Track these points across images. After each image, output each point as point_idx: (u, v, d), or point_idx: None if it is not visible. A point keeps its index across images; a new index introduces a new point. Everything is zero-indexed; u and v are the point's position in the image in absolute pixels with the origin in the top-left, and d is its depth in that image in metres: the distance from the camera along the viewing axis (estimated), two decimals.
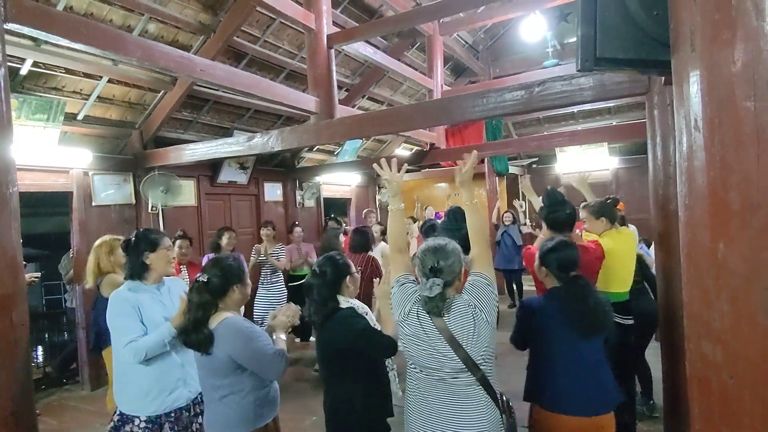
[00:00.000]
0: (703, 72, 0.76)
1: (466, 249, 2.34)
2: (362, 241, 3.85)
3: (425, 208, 8.00)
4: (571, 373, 2.05)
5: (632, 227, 5.18)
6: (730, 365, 0.74)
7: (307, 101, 4.23)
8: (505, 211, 7.69)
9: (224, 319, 1.91)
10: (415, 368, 1.88)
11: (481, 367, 1.76)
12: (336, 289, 2.10)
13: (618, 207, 5.97)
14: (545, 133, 10.00)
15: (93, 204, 5.04)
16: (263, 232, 5.67)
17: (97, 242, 3.21)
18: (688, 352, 0.83)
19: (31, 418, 2.12)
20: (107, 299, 2.74)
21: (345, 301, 2.12)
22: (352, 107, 7.17)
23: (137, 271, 2.21)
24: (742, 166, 0.71)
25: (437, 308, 1.76)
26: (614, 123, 8.39)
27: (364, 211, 7.75)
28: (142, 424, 2.10)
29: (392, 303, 1.94)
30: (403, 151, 9.61)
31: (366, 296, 3.66)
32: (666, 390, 2.76)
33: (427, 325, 1.79)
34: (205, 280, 1.91)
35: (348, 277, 2.15)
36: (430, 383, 1.82)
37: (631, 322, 3.15)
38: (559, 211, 2.87)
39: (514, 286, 7.57)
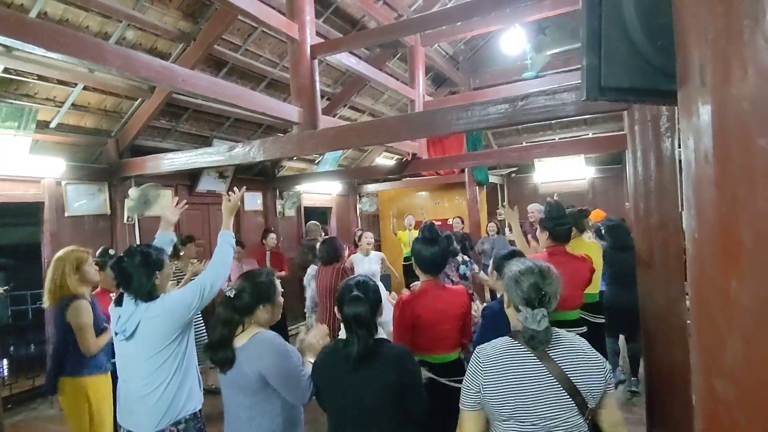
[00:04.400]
0: (714, 107, 0.76)
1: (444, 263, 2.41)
2: (330, 251, 3.77)
3: (404, 217, 7.98)
4: None
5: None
6: (743, 405, 0.73)
7: (290, 112, 4.18)
8: (489, 223, 7.72)
9: (256, 334, 1.80)
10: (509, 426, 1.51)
11: (588, 405, 1.49)
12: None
13: (592, 217, 6.10)
14: (524, 143, 10.15)
15: (66, 215, 4.87)
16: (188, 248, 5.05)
17: (60, 254, 2.76)
18: (698, 388, 0.82)
19: None
20: (69, 325, 2.61)
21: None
22: (334, 116, 7.14)
23: (150, 291, 2.04)
24: (755, 203, 0.70)
25: (544, 342, 1.48)
26: (590, 134, 8.57)
27: (356, 231, 7.44)
28: None
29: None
30: (384, 159, 9.62)
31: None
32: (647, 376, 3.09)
33: (531, 367, 1.49)
34: (233, 296, 1.81)
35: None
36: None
37: (601, 320, 3.58)
38: (563, 224, 3.04)
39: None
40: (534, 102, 3.45)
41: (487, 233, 7.46)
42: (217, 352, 1.78)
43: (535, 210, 7.39)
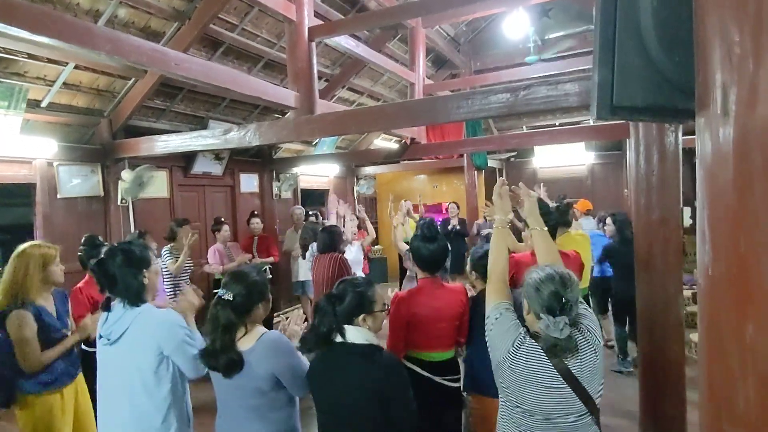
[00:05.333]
0: (737, 137, 0.70)
1: (442, 261, 2.37)
2: (329, 241, 3.73)
3: (402, 202, 7.88)
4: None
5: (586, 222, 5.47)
6: None
7: (287, 96, 4.08)
8: (486, 206, 7.68)
9: (263, 336, 1.78)
10: (517, 408, 1.59)
11: (597, 405, 1.55)
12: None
13: (578, 207, 6.08)
14: (524, 127, 10.04)
15: (58, 196, 4.79)
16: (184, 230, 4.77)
17: (24, 249, 2.42)
18: (706, 429, 0.79)
19: None
20: (8, 340, 2.28)
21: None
22: (331, 98, 7.02)
23: (136, 293, 1.90)
24: None
25: (567, 351, 1.49)
26: (592, 121, 8.45)
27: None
28: None
29: (492, 333, 1.65)
30: (383, 142, 9.50)
31: None
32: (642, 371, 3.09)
33: (542, 366, 1.51)
34: (231, 298, 1.76)
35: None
36: (542, 428, 1.55)
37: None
38: (546, 222, 3.00)
39: None
40: (536, 92, 3.37)
41: (485, 218, 7.44)
42: (220, 358, 1.72)
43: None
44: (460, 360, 2.49)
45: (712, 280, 0.75)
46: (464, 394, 2.42)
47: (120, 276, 1.89)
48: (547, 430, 1.54)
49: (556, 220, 3.16)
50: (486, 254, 2.27)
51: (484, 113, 3.66)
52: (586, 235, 4.28)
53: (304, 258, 4.95)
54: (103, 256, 1.96)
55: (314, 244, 4.25)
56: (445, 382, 2.26)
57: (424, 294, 2.34)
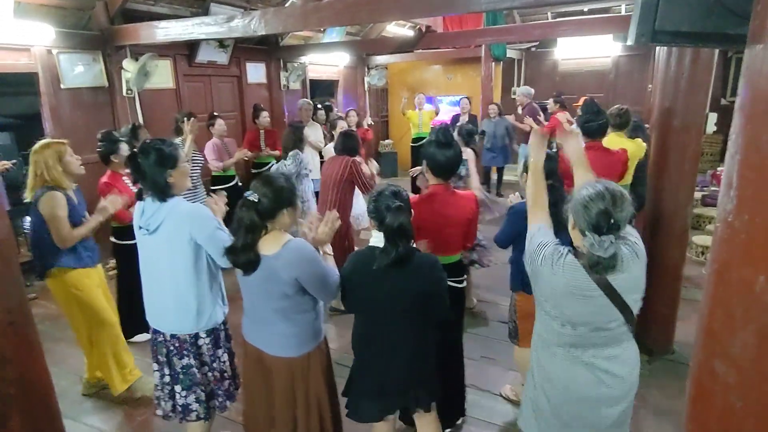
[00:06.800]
0: None
1: (456, 167, 2.37)
2: (347, 143, 3.61)
3: (415, 96, 7.61)
4: None
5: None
6: (741, 389, 0.74)
7: None
8: (491, 103, 7.40)
9: (288, 242, 1.81)
10: (556, 320, 1.65)
11: (635, 314, 1.59)
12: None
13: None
14: (549, 16, 9.30)
15: (62, 87, 4.68)
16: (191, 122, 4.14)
17: (37, 146, 2.61)
18: (697, 365, 0.83)
19: (29, 326, 2.15)
20: (42, 217, 2.53)
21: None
22: None
23: (162, 189, 2.01)
24: None
25: (609, 269, 1.49)
26: (624, 8, 7.77)
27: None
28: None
29: (535, 244, 1.66)
30: (396, 27, 8.92)
31: (341, 204, 3.55)
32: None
33: (584, 281, 1.52)
34: (256, 200, 1.77)
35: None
36: (580, 338, 1.62)
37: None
38: (592, 120, 3.25)
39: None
40: None
41: (489, 115, 7.24)
42: (240, 256, 1.79)
43: (522, 94, 7.07)
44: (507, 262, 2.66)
45: (732, 227, 0.74)
46: (511, 292, 2.67)
47: (149, 171, 1.98)
48: (584, 337, 1.60)
49: (606, 120, 3.35)
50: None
51: (508, 3, 3.38)
52: (639, 141, 4.05)
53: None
54: (137, 150, 2.05)
55: (297, 153, 4.03)
56: (452, 284, 2.36)
57: (435, 201, 2.34)
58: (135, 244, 2.16)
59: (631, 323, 1.59)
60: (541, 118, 7.92)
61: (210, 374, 2.18)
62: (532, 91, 7.25)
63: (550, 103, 7.08)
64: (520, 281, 2.52)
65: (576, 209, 1.52)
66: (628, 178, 3.56)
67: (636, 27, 0.81)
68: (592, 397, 1.65)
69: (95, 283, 2.80)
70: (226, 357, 2.23)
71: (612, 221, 1.44)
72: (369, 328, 1.97)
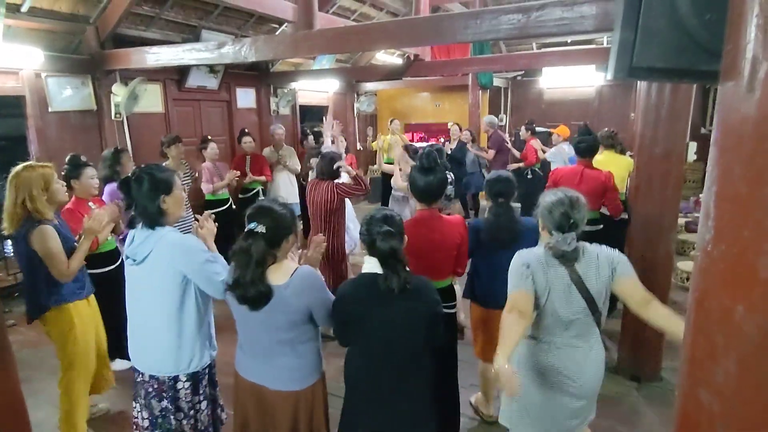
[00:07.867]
0: (758, 118, 0.67)
1: (440, 193, 2.40)
2: (329, 168, 3.62)
3: (390, 122, 7.19)
4: (495, 276, 2.46)
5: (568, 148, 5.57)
6: (726, 418, 0.75)
7: (284, 8, 3.84)
8: (466, 129, 7.11)
9: (297, 270, 1.79)
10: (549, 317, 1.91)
11: (598, 305, 1.87)
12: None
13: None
14: (534, 47, 9.56)
15: (49, 110, 4.67)
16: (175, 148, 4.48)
17: (21, 171, 2.38)
18: (682, 393, 0.83)
19: (4, 352, 2.05)
20: (35, 253, 2.33)
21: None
22: (332, 6, 6.60)
23: (154, 217, 1.90)
24: None
25: (572, 260, 1.85)
26: (606, 41, 8.04)
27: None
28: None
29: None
30: (385, 56, 9.09)
31: (333, 230, 3.60)
32: None
33: (558, 273, 1.86)
34: (264, 231, 1.73)
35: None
36: (557, 326, 1.90)
37: (624, 217, 3.90)
38: (583, 142, 3.75)
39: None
40: (550, 13, 3.16)
41: (461, 140, 6.77)
42: (250, 290, 1.71)
43: (487, 123, 7.04)
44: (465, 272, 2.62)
45: (710, 256, 0.75)
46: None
47: (138, 198, 1.89)
48: (561, 325, 1.88)
49: (595, 142, 3.82)
50: (494, 180, 2.66)
51: (493, 35, 3.46)
52: (630, 161, 4.21)
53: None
54: (130, 175, 1.96)
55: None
56: (444, 309, 2.34)
57: (421, 226, 2.33)
58: (110, 271, 2.07)
59: (595, 315, 1.87)
60: (508, 145, 7.93)
61: (185, 422, 2.00)
62: (497, 120, 7.22)
63: (522, 130, 6.98)
64: (471, 291, 2.78)
65: (543, 213, 1.89)
66: (622, 187, 4.10)
67: (614, 63, 0.84)
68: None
69: (92, 315, 2.65)
70: (205, 406, 2.05)
71: (572, 221, 1.80)
72: (368, 360, 1.86)
